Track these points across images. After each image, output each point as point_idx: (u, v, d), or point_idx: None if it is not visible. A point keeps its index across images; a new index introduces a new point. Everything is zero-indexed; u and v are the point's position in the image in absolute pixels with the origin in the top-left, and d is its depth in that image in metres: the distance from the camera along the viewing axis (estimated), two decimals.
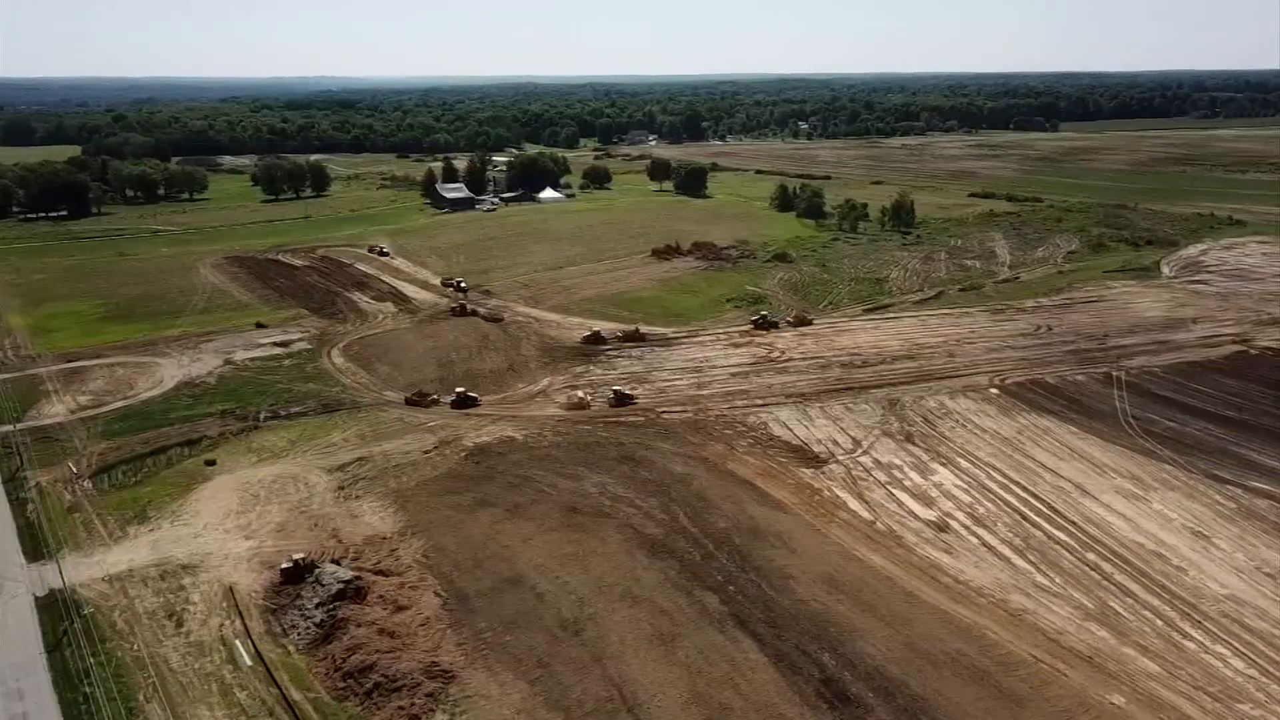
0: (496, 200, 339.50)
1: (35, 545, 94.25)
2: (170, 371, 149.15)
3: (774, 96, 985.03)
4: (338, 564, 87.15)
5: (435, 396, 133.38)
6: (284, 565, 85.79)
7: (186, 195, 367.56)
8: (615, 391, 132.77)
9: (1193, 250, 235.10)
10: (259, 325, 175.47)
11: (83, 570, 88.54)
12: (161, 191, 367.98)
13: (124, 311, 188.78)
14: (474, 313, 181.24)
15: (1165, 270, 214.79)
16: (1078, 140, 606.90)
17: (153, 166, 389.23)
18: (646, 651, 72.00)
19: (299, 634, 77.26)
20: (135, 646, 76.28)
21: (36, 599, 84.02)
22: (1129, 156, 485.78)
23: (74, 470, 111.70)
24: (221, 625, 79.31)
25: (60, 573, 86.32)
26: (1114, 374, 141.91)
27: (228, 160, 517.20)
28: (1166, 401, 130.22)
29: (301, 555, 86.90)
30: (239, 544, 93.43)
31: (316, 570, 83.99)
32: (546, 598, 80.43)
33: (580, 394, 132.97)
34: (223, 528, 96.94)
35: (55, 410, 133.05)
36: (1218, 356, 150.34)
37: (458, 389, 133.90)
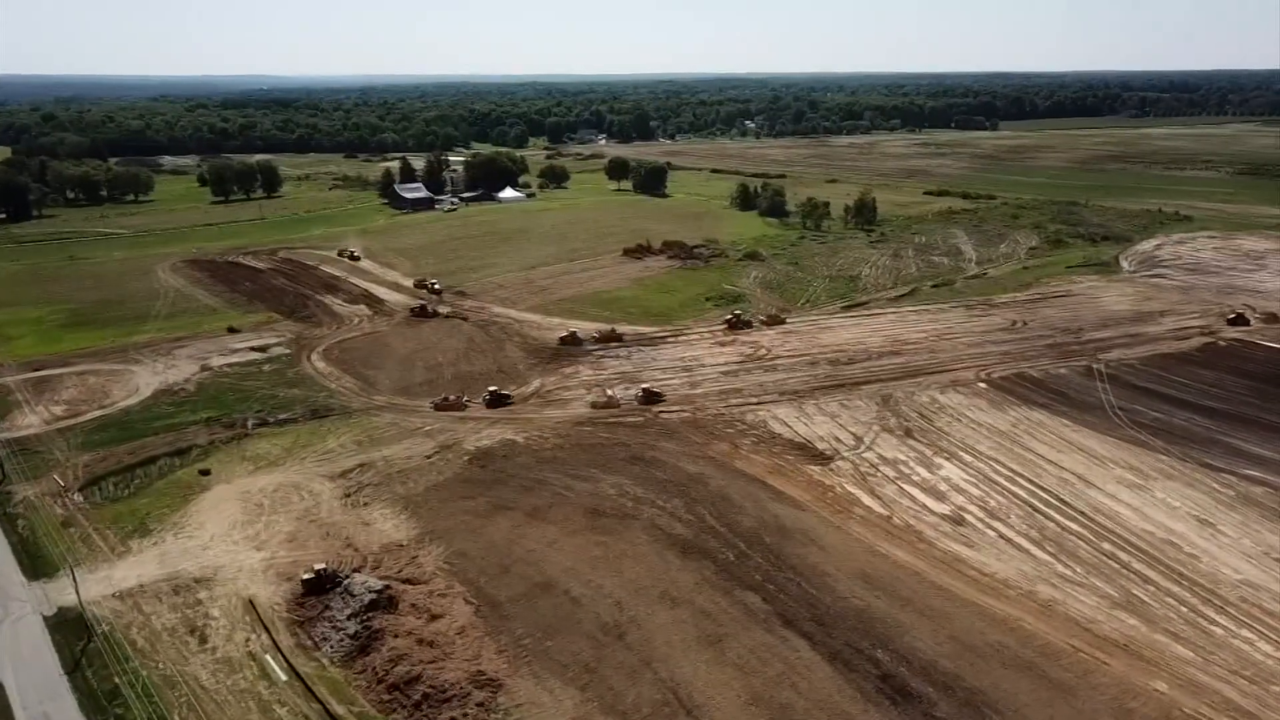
0: (456, 200, 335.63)
1: (34, 563, 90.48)
2: (145, 379, 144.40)
3: (717, 96, 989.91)
4: (358, 573, 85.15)
5: (467, 399, 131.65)
6: (305, 576, 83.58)
7: (131, 197, 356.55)
8: (644, 390, 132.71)
9: (1147, 245, 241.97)
10: (231, 330, 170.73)
11: (90, 587, 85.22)
12: (104, 193, 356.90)
13: (85, 317, 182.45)
14: (435, 313, 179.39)
15: (1125, 265, 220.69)
16: (1018, 139, 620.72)
17: (94, 167, 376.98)
18: (696, 653, 71.65)
19: (332, 646, 75.26)
20: (161, 665, 73.60)
21: (46, 619, 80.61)
22: (1070, 154, 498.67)
23: (61, 483, 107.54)
24: (248, 640, 76.92)
25: (76, 590, 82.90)
26: (1094, 367, 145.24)
27: (168, 161, 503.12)
28: (1149, 393, 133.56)
29: (323, 565, 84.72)
30: (250, 555, 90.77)
31: (345, 581, 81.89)
32: (583, 602, 79.56)
33: (610, 392, 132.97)
34: (230, 539, 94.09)
35: (29, 421, 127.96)
36: (1189, 348, 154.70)
37: (490, 388, 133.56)
